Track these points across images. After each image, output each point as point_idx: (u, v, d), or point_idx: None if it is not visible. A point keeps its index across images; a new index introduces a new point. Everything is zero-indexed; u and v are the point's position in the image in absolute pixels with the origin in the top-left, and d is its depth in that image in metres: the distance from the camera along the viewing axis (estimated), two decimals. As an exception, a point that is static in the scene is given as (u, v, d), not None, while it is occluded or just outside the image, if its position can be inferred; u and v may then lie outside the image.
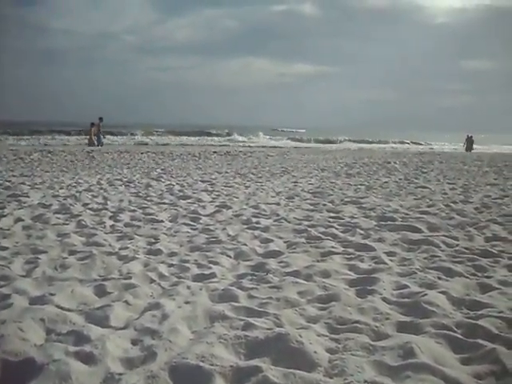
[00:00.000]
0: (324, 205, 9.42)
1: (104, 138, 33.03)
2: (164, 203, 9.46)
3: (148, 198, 10.02)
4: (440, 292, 4.38)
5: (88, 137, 32.73)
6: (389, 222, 7.67)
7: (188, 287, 4.53)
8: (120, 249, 6.04)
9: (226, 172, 16.20)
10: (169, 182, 12.85)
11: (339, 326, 3.70)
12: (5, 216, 7.84)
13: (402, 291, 4.48)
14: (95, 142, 31.78)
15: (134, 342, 3.42)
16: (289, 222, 7.71)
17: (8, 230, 6.98)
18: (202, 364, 3.02)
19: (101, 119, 32.09)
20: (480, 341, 3.40)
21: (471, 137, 41.07)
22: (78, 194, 10.35)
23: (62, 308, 4.00)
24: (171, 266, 5.32)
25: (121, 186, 12.05)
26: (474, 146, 42.13)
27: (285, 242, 6.47)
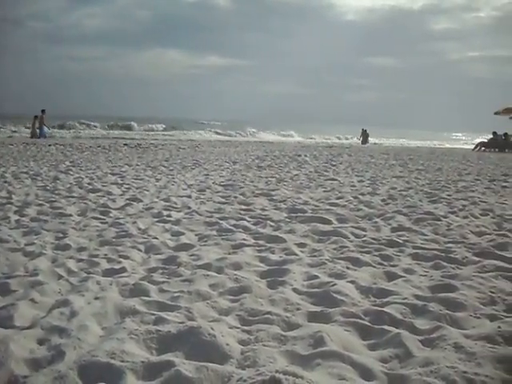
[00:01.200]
0: (235, 197, 9.45)
1: (49, 129, 32.97)
2: (73, 197, 9.20)
3: (56, 192, 9.71)
4: (349, 281, 4.50)
5: (30, 129, 32.41)
6: (299, 214, 7.79)
7: (98, 282, 4.42)
8: (26, 244, 5.81)
9: (137, 165, 15.95)
10: (78, 175, 12.51)
11: (251, 318, 3.72)
12: None
13: (312, 282, 4.56)
14: (37, 134, 31.38)
15: (41, 342, 3.30)
16: (200, 215, 7.68)
17: None
18: (112, 361, 2.95)
19: (43, 111, 31.82)
20: (386, 327, 3.52)
21: (366, 130, 42.33)
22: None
23: (-39, 308, 3.80)
24: (80, 261, 5.18)
25: (27, 179, 11.61)
26: (370, 139, 43.53)
27: (196, 235, 6.45)
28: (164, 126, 55.44)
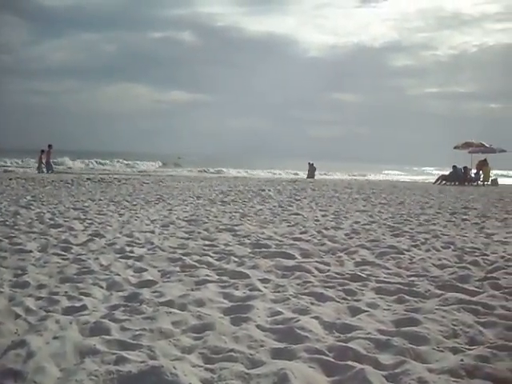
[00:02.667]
0: (199, 232, 9.40)
1: (54, 165, 33.71)
2: (33, 232, 9.03)
3: (16, 227, 9.52)
4: (313, 317, 4.48)
5: (37, 163, 33.07)
6: (263, 249, 7.78)
7: (57, 321, 4.30)
8: (-18, 282, 5.65)
9: (100, 199, 15.78)
10: (39, 210, 12.30)
11: (214, 356, 3.66)
12: None
13: (276, 318, 4.52)
14: (44, 170, 31.79)
15: (-5, 384, 3.18)
16: (163, 251, 7.60)
17: None
18: (70, 403, 2.86)
19: (50, 146, 31.93)
20: (350, 362, 3.51)
21: (312, 164, 42.57)
22: None
23: None
24: (39, 299, 5.05)
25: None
26: (317, 173, 43.84)
27: (159, 271, 6.37)
28: (160, 164, 55.66)
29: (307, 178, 40.33)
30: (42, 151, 32.65)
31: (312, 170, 41.89)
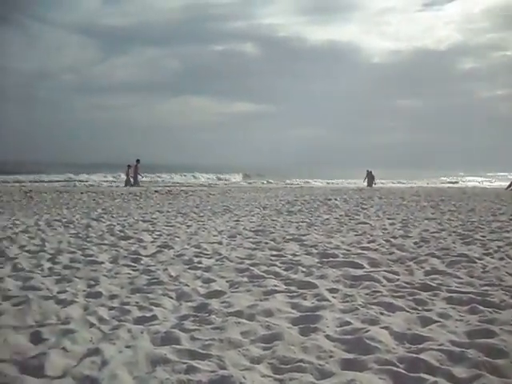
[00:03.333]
0: (266, 243, 9.43)
1: (142, 177, 35.01)
2: (104, 244, 9.28)
3: (88, 239, 9.81)
4: (382, 327, 4.42)
5: (125, 177, 34.88)
6: (331, 259, 7.73)
7: (129, 331, 4.41)
8: (58, 292, 5.85)
9: (168, 211, 16.07)
10: (109, 223, 12.63)
11: (283, 366, 3.67)
12: None
13: (344, 328, 4.49)
14: (131, 182, 33.44)
15: (72, 391, 3.29)
16: (231, 261, 7.66)
17: None
18: (143, 411, 2.92)
19: (138, 161, 33.94)
20: (422, 375, 3.43)
21: (371, 172, 41.78)
22: (14, 236, 10.03)
23: (-7, 358, 3.81)
24: (112, 309, 5.19)
25: (60, 226, 11.76)
26: (377, 181, 43.01)
27: (227, 282, 6.42)
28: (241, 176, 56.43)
29: (366, 186, 39.80)
30: (129, 166, 34.23)
31: (370, 178, 41.32)
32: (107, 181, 43.17)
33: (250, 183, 43.16)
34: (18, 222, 12.43)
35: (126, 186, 33.42)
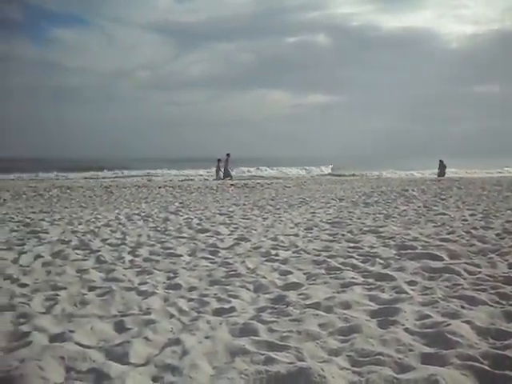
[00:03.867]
0: (343, 235, 9.36)
1: (232, 171, 35.75)
2: (183, 237, 9.47)
3: (166, 232, 10.04)
4: (464, 321, 4.30)
5: (215, 171, 35.86)
6: (409, 251, 7.59)
7: (208, 322, 4.50)
8: (139, 284, 6.04)
9: (244, 204, 16.21)
10: (187, 216, 12.87)
11: (361, 359, 3.64)
12: (25, 253, 7.90)
13: (424, 321, 4.41)
14: (221, 176, 34.49)
15: (155, 379, 3.40)
16: (308, 254, 7.66)
17: (28, 266, 7.02)
18: (223, 400, 2.97)
19: (228, 155, 34.80)
20: (508, 372, 3.32)
21: (443, 162, 40.36)
22: (96, 230, 10.40)
23: (81, 345, 3.98)
24: (191, 300, 5.30)
25: (139, 220, 12.09)
26: (451, 170, 41.56)
27: (304, 274, 6.43)
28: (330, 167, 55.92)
29: (438, 176, 38.65)
30: (219, 160, 35.12)
31: (442, 168, 40.12)
32: (183, 175, 43.88)
33: (339, 175, 42.59)
34: (99, 217, 12.87)
35: (216, 179, 34.11)
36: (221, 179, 33.55)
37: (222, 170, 34.86)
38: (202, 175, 41.56)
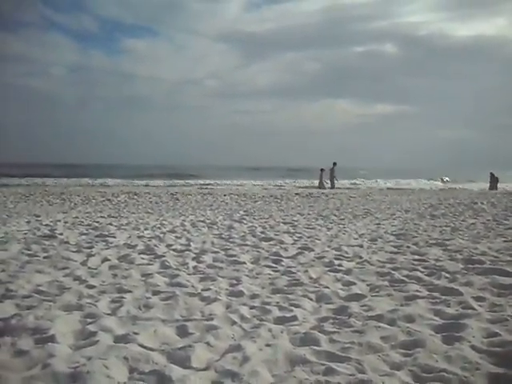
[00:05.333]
0: (408, 247, 9.20)
1: (337, 181, 36.12)
2: (246, 245, 9.52)
3: (230, 240, 10.12)
4: (536, 341, 4.15)
5: (318, 180, 36.09)
6: (476, 265, 7.38)
7: (269, 330, 4.51)
8: (202, 290, 6.10)
9: (308, 214, 16.17)
10: (251, 224, 12.94)
11: (424, 375, 3.57)
12: (93, 255, 8.13)
13: (492, 339, 4.27)
14: (325, 185, 35.01)
15: (215, 384, 3.42)
16: (372, 265, 7.57)
17: (95, 269, 7.22)
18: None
19: (334, 164, 35.38)
20: None
21: (493, 174, 38.89)
22: (162, 235, 10.59)
23: (144, 347, 4.07)
24: (253, 308, 5.32)
25: (204, 227, 12.23)
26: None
27: (368, 285, 6.36)
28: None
29: (489, 189, 37.38)
30: (322, 170, 35.46)
31: (494, 181, 38.81)
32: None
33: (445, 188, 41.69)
34: (165, 223, 13.09)
35: (319, 188, 34.28)
36: (324, 188, 33.75)
37: (327, 179, 35.02)
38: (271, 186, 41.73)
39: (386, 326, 4.61)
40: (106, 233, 10.84)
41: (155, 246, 9.21)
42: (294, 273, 7.05)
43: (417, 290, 5.99)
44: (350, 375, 3.46)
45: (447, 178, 56.40)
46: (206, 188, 33.90)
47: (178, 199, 22.12)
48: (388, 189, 38.65)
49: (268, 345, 4.10)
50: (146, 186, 36.97)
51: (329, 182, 35.63)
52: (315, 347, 4.05)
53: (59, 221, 13.13)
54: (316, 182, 36.59)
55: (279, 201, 22.23)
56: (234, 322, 4.80)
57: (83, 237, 10.31)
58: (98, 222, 13.00)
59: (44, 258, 8.02)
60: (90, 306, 5.29)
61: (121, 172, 50.14)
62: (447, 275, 6.79)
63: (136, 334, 4.35)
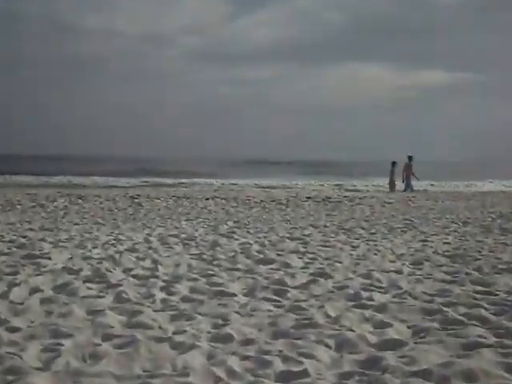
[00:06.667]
0: (467, 274, 9.22)
1: (417, 180, 36.00)
2: (237, 269, 9.52)
3: (215, 263, 10.11)
4: None
5: (388, 180, 36.47)
6: None
7: (269, 390, 4.50)
8: (174, 333, 6.09)
9: (325, 226, 16.19)
10: (244, 240, 12.94)
11: None
12: (17, 285, 8.10)
13: None
14: (396, 187, 35.28)
15: None
16: (415, 299, 7.56)
17: (21, 303, 7.19)
18: None
19: (410, 158, 35.21)
20: None
21: None
22: (117, 256, 10.57)
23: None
24: (245, 358, 5.31)
25: (177, 244, 12.23)
26: None
27: (409, 328, 6.35)
28: None
29: None
30: (394, 163, 35.64)
31: None
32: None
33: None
34: (122, 238, 13.09)
35: (390, 190, 34.55)
36: (395, 190, 33.70)
37: (399, 178, 34.94)
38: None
39: (435, 385, 4.61)
40: (37, 252, 10.82)
41: (108, 270, 9.19)
42: (304, 309, 7.03)
43: (480, 336, 5.98)
44: None
45: None
46: (182, 188, 33.92)
47: (140, 204, 22.14)
48: (441, 192, 38.72)
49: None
50: (95, 186, 36.99)
51: (406, 181, 35.25)
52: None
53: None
54: (336, 185, 36.49)
55: (284, 207, 22.25)
56: (219, 380, 4.78)
57: (3, 258, 10.29)
58: (25, 236, 12.98)
59: None
60: (11, 357, 5.25)
61: (59, 166, 50.28)
62: (524, 314, 6.79)
63: (79, 396, 4.33)
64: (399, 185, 35.39)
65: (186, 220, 17.25)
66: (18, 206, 20.50)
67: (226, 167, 57.19)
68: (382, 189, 40.64)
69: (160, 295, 7.72)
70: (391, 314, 6.88)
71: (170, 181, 44.73)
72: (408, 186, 34.60)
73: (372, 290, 8.02)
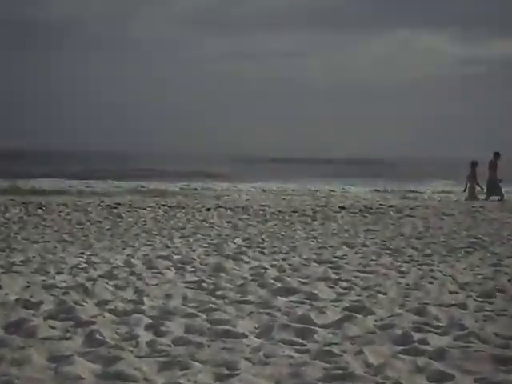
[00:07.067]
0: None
1: (501, 181, 35.63)
2: (248, 302, 9.51)
3: (218, 293, 10.10)
4: None
5: (468, 185, 36.24)
6: None
7: None
8: (164, 387, 6.07)
9: (364, 245, 16.15)
10: (257, 264, 12.93)
11: None
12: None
13: None
14: (475, 193, 35.23)
15: None
16: (484, 342, 7.52)
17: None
18: None
19: (497, 155, 35.30)
20: None
21: None
22: (89, 284, 10.57)
23: None
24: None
25: (169, 268, 12.23)
26: None
27: (476, 382, 6.31)
28: None
29: None
30: (474, 164, 35.85)
31: None
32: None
33: None
34: (96, 260, 13.10)
35: (470, 198, 34.53)
36: (476, 199, 33.56)
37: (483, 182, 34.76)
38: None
39: None
40: (-17, 279, 10.83)
41: (76, 303, 9.19)
42: (336, 355, 7.00)
43: None
44: None
45: None
46: (174, 196, 33.93)
47: (120, 216, 22.17)
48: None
49: None
50: (60, 191, 37.08)
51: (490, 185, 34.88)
52: None
53: None
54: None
55: (309, 220, 22.22)
56: None
57: None
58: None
59: None
60: None
61: (10, 165, 50.45)
62: None
63: None
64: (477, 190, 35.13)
65: (180, 237, 17.24)
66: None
67: (237, 166, 57.12)
68: (442, 196, 40.59)
69: (145, 336, 7.70)
70: (452, 362, 6.84)
71: (161, 185, 44.74)
72: (493, 192, 34.29)
73: (427, 331, 8.00)
